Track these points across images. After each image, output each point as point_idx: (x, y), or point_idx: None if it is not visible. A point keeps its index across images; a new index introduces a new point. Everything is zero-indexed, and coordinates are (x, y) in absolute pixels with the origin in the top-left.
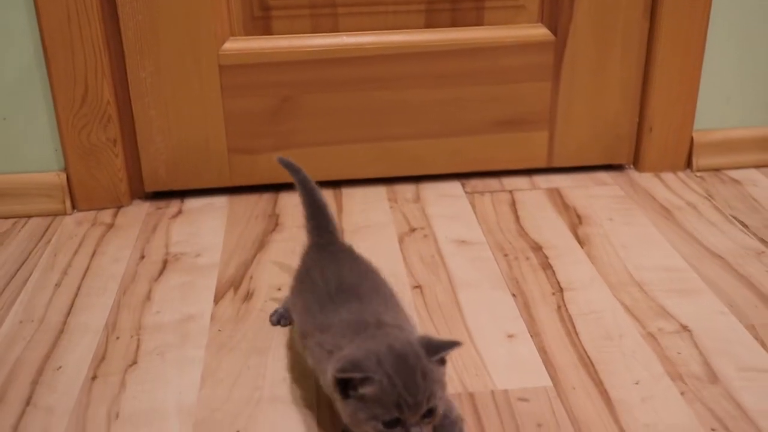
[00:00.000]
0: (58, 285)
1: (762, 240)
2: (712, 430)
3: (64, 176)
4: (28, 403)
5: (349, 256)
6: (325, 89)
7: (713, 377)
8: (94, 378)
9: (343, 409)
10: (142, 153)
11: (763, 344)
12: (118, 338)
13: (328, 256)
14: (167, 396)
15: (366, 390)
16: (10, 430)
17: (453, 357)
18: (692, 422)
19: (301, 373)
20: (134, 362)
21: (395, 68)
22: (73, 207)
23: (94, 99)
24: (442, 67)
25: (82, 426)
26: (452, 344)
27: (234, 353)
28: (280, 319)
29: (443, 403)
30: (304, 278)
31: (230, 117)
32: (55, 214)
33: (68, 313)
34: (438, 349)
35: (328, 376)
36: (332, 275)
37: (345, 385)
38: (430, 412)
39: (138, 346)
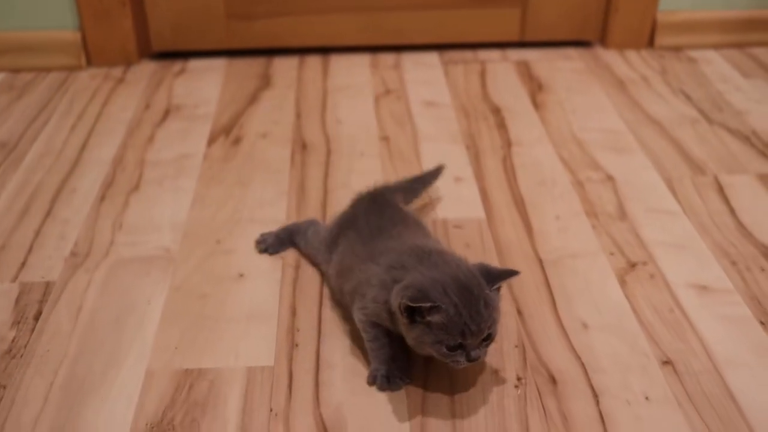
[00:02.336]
0: (73, 127)
1: (701, 111)
2: (611, 253)
3: (79, 35)
4: (47, 215)
5: (395, 209)
6: None
7: (623, 216)
8: (102, 198)
9: (409, 332)
10: (150, 15)
11: (674, 193)
12: (123, 170)
13: (374, 205)
14: (162, 214)
15: (434, 318)
16: (33, 234)
17: None
18: (596, 247)
19: (276, 198)
20: (136, 188)
21: None
22: (88, 63)
23: None
24: None
25: (91, 233)
26: (510, 273)
27: (221, 185)
28: (268, 248)
29: (497, 329)
30: (350, 221)
31: None
32: (71, 69)
33: (82, 149)
34: (497, 278)
35: (393, 301)
36: (376, 223)
37: (412, 312)
38: (489, 336)
39: (140, 176)
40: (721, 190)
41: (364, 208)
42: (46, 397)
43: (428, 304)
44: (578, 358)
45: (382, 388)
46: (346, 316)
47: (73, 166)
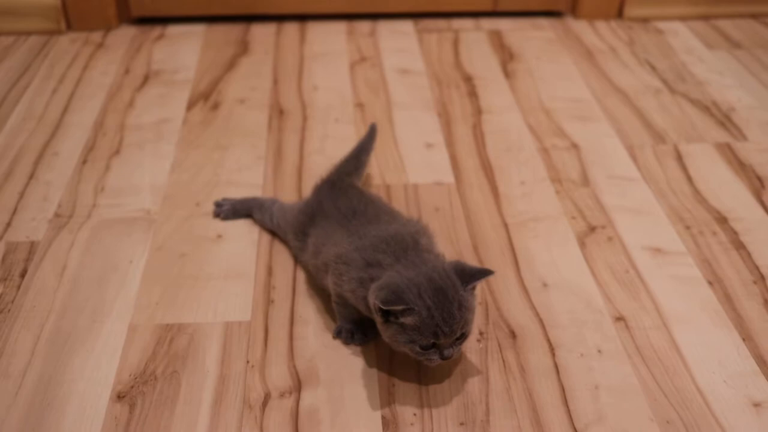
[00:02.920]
0: (54, 91)
1: (664, 81)
2: (572, 217)
3: None
4: (31, 177)
5: (355, 189)
6: None
7: (585, 182)
8: (84, 162)
9: (384, 331)
10: None
11: (635, 161)
12: (105, 134)
13: (337, 191)
14: (143, 177)
15: (407, 319)
16: (17, 195)
17: (378, 157)
18: (558, 211)
19: (253, 162)
20: (117, 152)
21: None
22: (68, 27)
23: None
24: None
25: (74, 195)
26: (485, 273)
27: (200, 149)
28: (221, 213)
29: (471, 327)
30: (316, 209)
31: None
32: (51, 33)
33: (63, 113)
34: (471, 278)
35: (369, 300)
36: (345, 206)
37: (386, 312)
38: (463, 336)
39: (121, 140)
40: (679, 158)
41: (327, 195)
42: (33, 350)
43: (402, 307)
44: (537, 314)
45: (346, 342)
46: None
47: (54, 130)
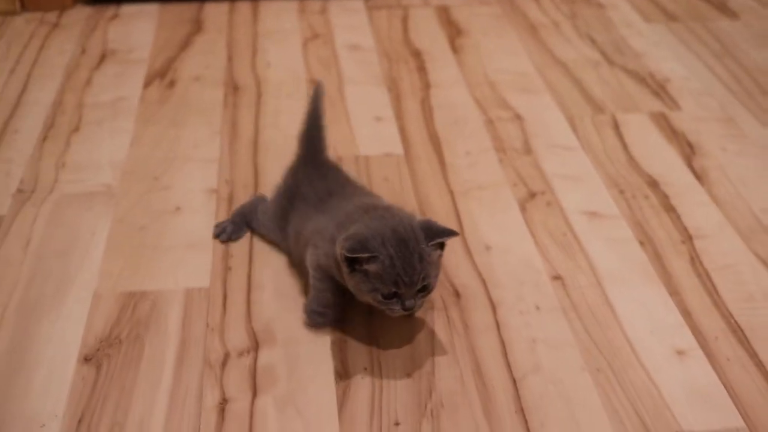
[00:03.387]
0: (12, 71)
1: (603, 54)
2: (514, 185)
3: None
4: None
5: (333, 170)
6: None
7: (528, 151)
8: (44, 139)
9: (349, 280)
10: None
11: (574, 130)
12: (63, 112)
13: (314, 172)
14: (102, 154)
15: (370, 267)
16: None
17: (330, 131)
18: (501, 179)
19: (209, 138)
20: (77, 129)
21: None
22: (22, 8)
23: None
24: None
25: (36, 171)
26: (450, 232)
27: (157, 126)
28: (230, 235)
29: (436, 281)
30: (294, 192)
31: None
32: (6, 14)
33: (22, 92)
34: (435, 235)
35: (336, 249)
36: (322, 187)
37: (352, 261)
38: (424, 288)
39: (80, 118)
40: (616, 127)
41: (304, 178)
42: (1, 320)
43: (366, 255)
44: (480, 275)
45: (314, 324)
46: (276, 246)
47: (14, 109)
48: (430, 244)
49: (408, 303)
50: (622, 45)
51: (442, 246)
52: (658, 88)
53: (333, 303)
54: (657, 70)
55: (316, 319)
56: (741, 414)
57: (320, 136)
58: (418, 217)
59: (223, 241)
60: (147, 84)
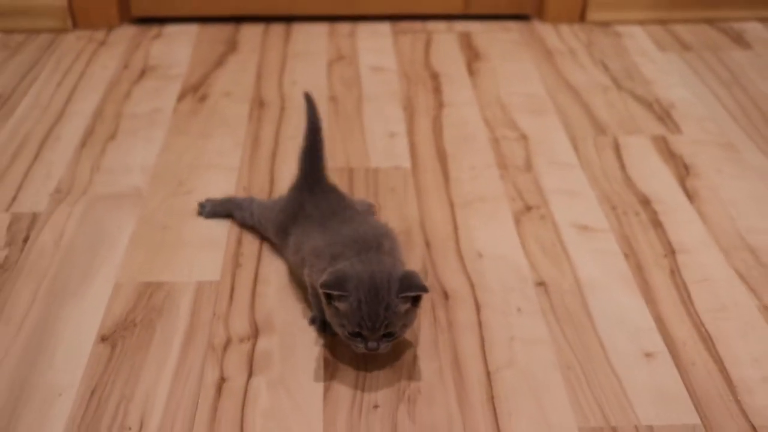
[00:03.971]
0: (59, 83)
1: (614, 80)
2: (512, 199)
3: (66, 1)
4: (35, 158)
5: (335, 193)
6: None
7: (529, 168)
8: (83, 145)
9: (325, 308)
10: None
11: (576, 150)
12: (103, 122)
13: (319, 193)
14: (134, 160)
15: (340, 305)
16: (23, 173)
17: (346, 144)
18: (500, 193)
19: (232, 148)
20: (113, 137)
21: None
22: (74, 26)
23: None
24: None
25: (73, 174)
26: (420, 288)
27: (186, 136)
28: (203, 213)
29: (404, 330)
30: (297, 210)
31: None
32: (58, 31)
33: (66, 102)
34: (407, 289)
35: (320, 279)
36: (326, 207)
37: (328, 294)
38: (389, 335)
39: (117, 127)
40: (617, 148)
41: (309, 197)
42: (32, 301)
43: (337, 293)
44: (470, 279)
45: (319, 331)
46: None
47: (58, 118)
48: (400, 296)
49: (370, 344)
50: (633, 71)
51: (415, 300)
52: (663, 113)
53: None
54: (664, 96)
55: (321, 327)
56: (699, 413)
57: (321, 155)
58: (404, 268)
59: (198, 214)
60: (181, 98)
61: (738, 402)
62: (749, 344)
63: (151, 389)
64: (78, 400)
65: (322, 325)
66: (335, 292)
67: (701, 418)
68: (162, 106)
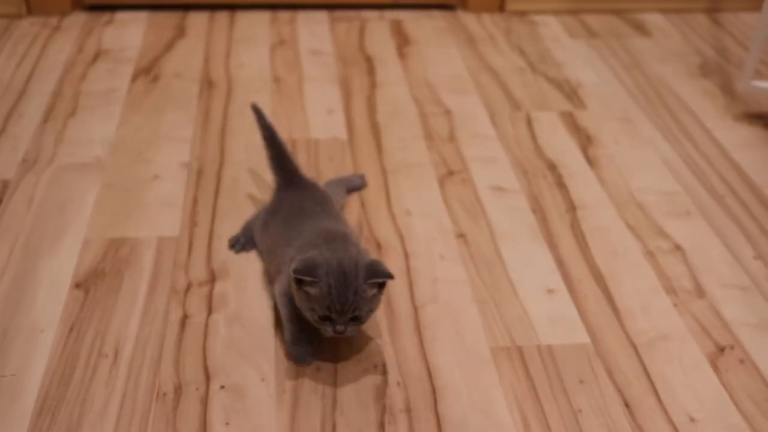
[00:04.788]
0: (18, 65)
1: (529, 63)
2: (437, 165)
3: None
4: (1, 132)
5: (311, 188)
6: None
7: (452, 139)
8: (45, 121)
9: (296, 294)
10: None
11: (494, 124)
12: (62, 100)
13: (295, 190)
14: (94, 134)
15: (310, 290)
16: None
17: (289, 119)
18: (426, 160)
19: (186, 122)
20: (73, 113)
21: None
22: (28, 12)
23: None
24: None
25: (38, 146)
26: (386, 275)
27: (142, 112)
28: (245, 245)
29: (370, 314)
30: (276, 210)
31: None
32: (13, 17)
33: (26, 83)
34: (374, 276)
35: (292, 266)
36: (299, 204)
37: (299, 280)
38: (356, 319)
39: (76, 105)
40: (529, 122)
41: (285, 194)
42: (10, 255)
43: (308, 278)
44: (399, 232)
45: (297, 359)
46: (238, 207)
47: (19, 96)
48: (367, 282)
49: (338, 328)
50: (546, 56)
51: (381, 286)
52: (571, 92)
53: (306, 334)
54: (573, 77)
55: (299, 353)
56: (589, 334)
57: (287, 156)
58: (369, 257)
59: (237, 252)
60: (134, 78)
61: (622, 326)
62: (634, 281)
63: (123, 325)
64: (58, 335)
65: (296, 352)
66: (307, 278)
67: (591, 338)
68: (117, 86)
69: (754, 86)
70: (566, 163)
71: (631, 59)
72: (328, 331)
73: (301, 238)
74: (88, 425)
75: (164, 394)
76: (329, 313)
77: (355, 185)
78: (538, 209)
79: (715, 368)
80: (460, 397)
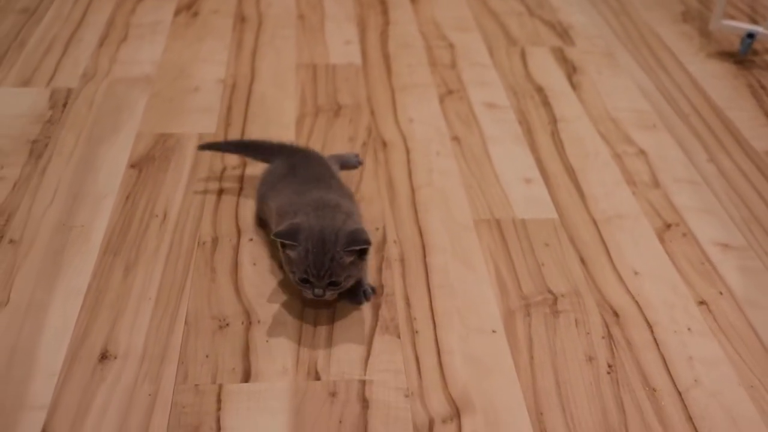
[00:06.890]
0: (75, 2)
1: (528, 8)
2: (438, 86)
3: None
4: (63, 54)
5: (310, 156)
6: None
7: (453, 66)
8: (101, 45)
9: (281, 256)
10: None
11: (491, 56)
12: (115, 29)
13: (296, 160)
14: (144, 55)
15: (291, 253)
16: (55, 63)
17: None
18: (430, 82)
19: (221, 49)
20: (125, 39)
21: None
22: None
23: None
24: None
25: (95, 63)
26: (363, 243)
27: (183, 40)
28: None
29: (350, 280)
30: (280, 178)
31: None
32: None
33: (83, 14)
34: (350, 244)
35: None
36: (301, 173)
37: (283, 243)
38: (334, 284)
39: (127, 33)
40: (523, 55)
41: (292, 165)
42: (76, 143)
43: (288, 242)
44: (402, 134)
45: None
46: (267, 113)
47: (77, 26)
48: (345, 249)
49: (316, 291)
50: (544, 2)
51: (362, 253)
52: (562, 32)
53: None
54: (565, 20)
55: (306, 289)
56: (557, 211)
57: (267, 143)
58: (355, 225)
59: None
60: (177, 13)
61: (586, 207)
62: (600, 175)
63: (170, 195)
64: (118, 200)
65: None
66: (287, 242)
67: (559, 215)
68: (162, 19)
69: (724, 24)
70: (552, 87)
71: (620, 6)
72: (307, 293)
73: (299, 199)
74: (143, 263)
75: (204, 243)
76: (307, 276)
77: (350, 162)
78: (524, 121)
79: (661, 240)
80: (445, 253)
